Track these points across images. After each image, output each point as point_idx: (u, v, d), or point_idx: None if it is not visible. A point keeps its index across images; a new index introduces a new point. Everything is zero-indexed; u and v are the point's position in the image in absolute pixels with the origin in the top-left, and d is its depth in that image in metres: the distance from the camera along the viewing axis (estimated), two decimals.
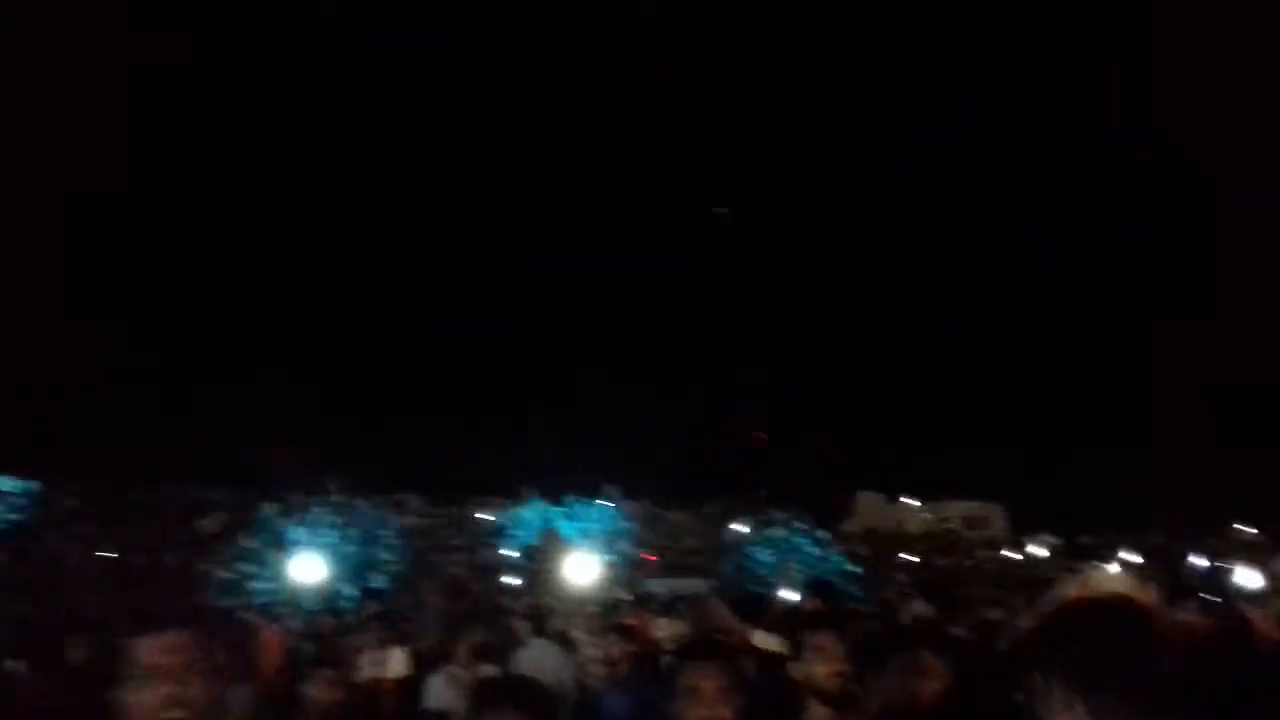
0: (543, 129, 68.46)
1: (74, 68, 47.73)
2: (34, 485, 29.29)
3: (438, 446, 37.69)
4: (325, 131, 59.18)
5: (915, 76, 73.47)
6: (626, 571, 31.43)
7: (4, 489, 28.65)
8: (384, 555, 29.59)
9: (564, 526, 32.17)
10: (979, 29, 67.09)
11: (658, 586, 29.36)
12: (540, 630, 8.69)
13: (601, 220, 57.36)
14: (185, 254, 48.18)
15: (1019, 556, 41.74)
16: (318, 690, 4.80)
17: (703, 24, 72.66)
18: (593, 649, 7.24)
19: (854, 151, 67.68)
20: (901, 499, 50.11)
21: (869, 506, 48.82)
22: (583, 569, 21.70)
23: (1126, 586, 4.34)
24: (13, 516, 28.13)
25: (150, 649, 2.16)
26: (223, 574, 26.79)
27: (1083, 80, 64.43)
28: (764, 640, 6.08)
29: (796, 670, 3.19)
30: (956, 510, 48.61)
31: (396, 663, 7.76)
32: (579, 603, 16.06)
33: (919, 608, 7.74)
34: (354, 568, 26.96)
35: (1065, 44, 70.87)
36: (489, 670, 6.33)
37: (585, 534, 28.45)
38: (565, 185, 60.75)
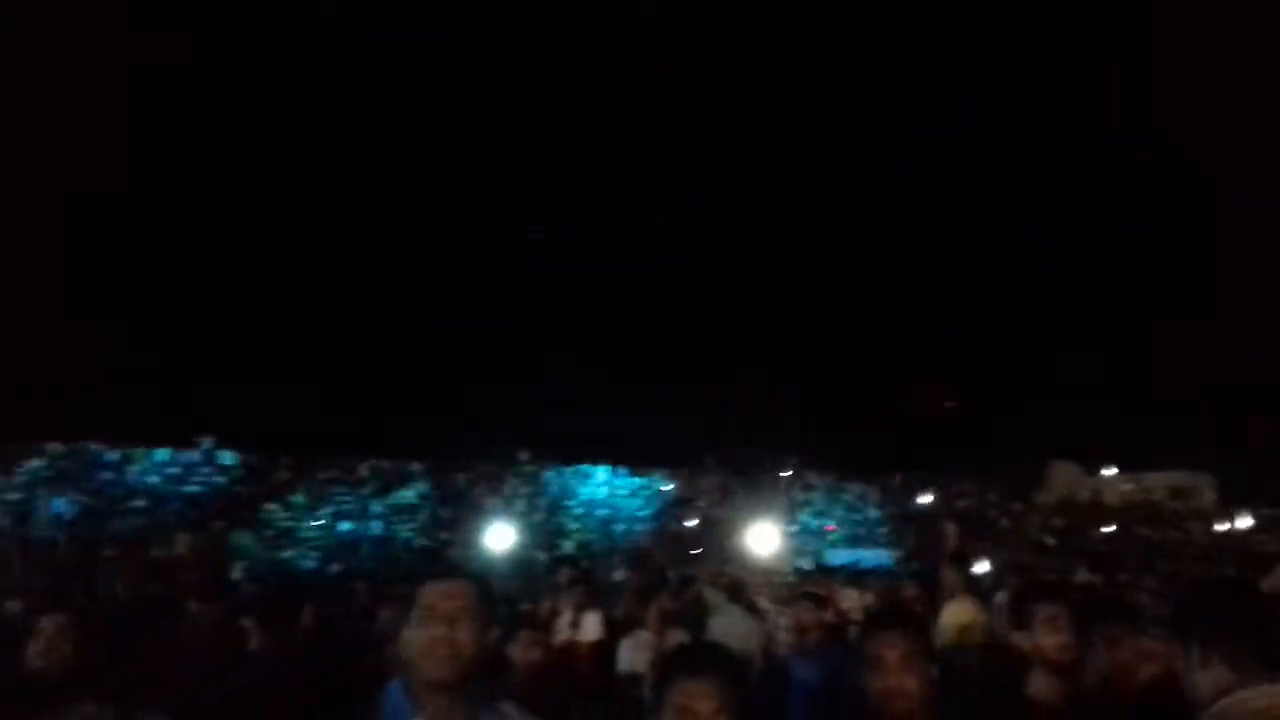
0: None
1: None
2: (250, 457, 31.57)
3: (618, 417, 38.44)
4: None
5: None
6: (808, 541, 31.35)
7: (224, 462, 31.00)
8: (572, 523, 30.54)
9: (746, 496, 32.32)
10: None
11: (841, 557, 29.21)
12: (731, 598, 8.79)
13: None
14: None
15: (1227, 528, 39.22)
16: (519, 651, 5.02)
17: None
18: (781, 617, 7.26)
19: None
20: (1101, 471, 48.17)
21: (1064, 477, 47.01)
22: (764, 539, 21.78)
23: None
24: (234, 488, 30.42)
25: (434, 593, 2.39)
26: (422, 541, 28.31)
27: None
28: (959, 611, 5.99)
29: (1022, 640, 3.21)
30: (1160, 480, 46.23)
31: (592, 627, 7.98)
32: (764, 572, 16.14)
33: (1083, 575, 7.46)
34: (545, 535, 27.98)
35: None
36: (679, 636, 6.44)
37: (765, 504, 28.45)
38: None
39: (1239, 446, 42.31)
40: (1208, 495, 45.27)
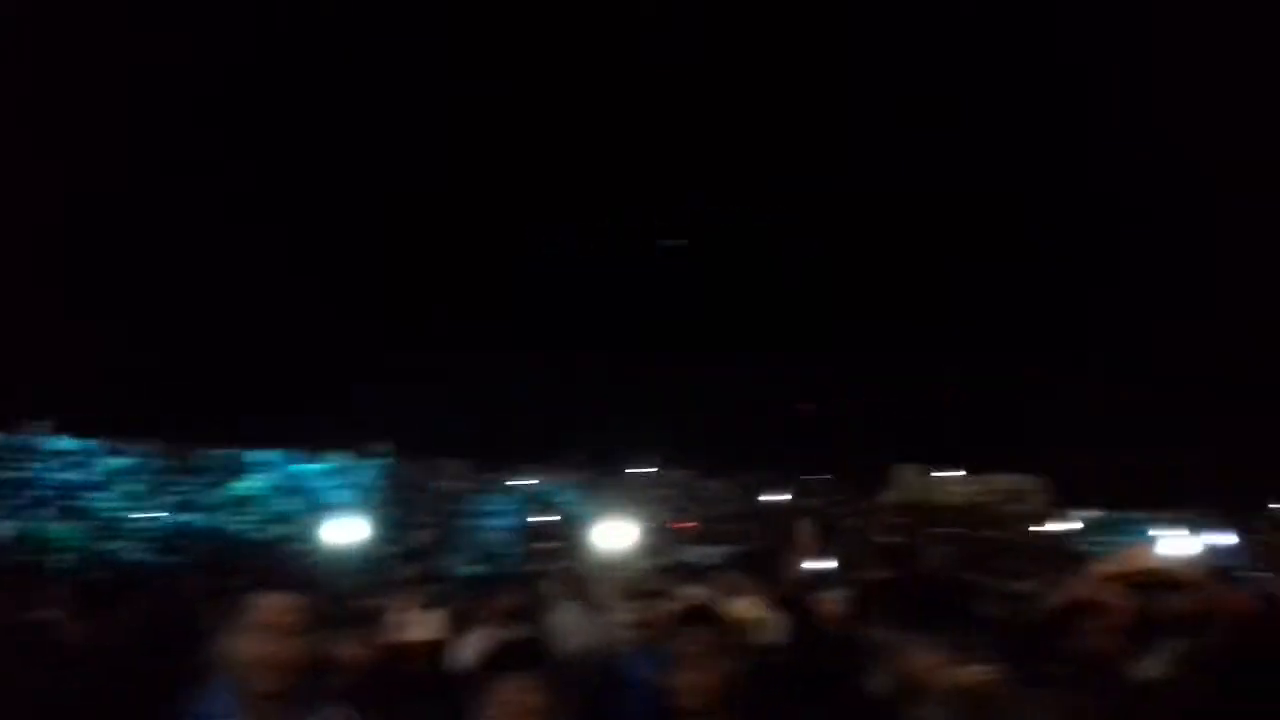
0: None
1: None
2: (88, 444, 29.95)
3: (477, 412, 38.00)
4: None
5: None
6: (661, 539, 31.65)
7: (57, 447, 29.32)
8: (421, 518, 30.03)
9: (597, 494, 32.40)
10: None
11: (695, 555, 29.59)
12: (571, 594, 8.73)
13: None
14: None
15: (1056, 529, 41.49)
16: (347, 650, 4.86)
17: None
18: (623, 614, 7.26)
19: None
20: (941, 472, 49.89)
21: (907, 479, 48.67)
22: (616, 536, 21.84)
23: (1162, 561, 4.28)
24: (62, 475, 28.78)
25: (265, 607, 2.26)
26: (258, 534, 27.34)
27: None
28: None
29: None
30: (997, 483, 48.37)
31: (427, 625, 7.83)
32: (612, 569, 16.17)
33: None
34: (391, 529, 27.40)
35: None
36: (518, 632, 6.35)
37: (618, 501, 28.59)
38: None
39: (1070, 451, 44.66)
40: (1039, 498, 47.59)
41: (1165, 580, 4.06)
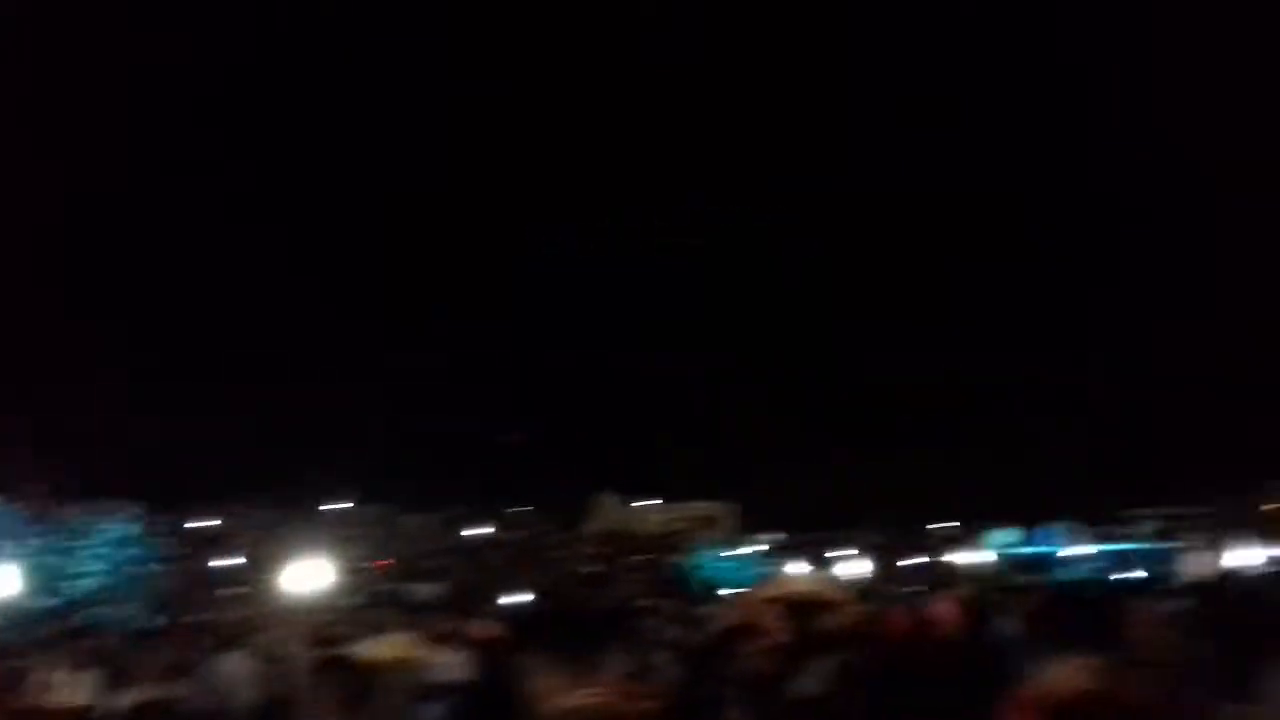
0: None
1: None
2: None
3: (152, 450, 34.93)
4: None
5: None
6: (357, 578, 30.39)
7: None
8: (85, 567, 27.17)
9: (294, 532, 30.65)
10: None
11: (399, 593, 28.64)
12: (238, 642, 8.14)
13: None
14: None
15: (744, 553, 43.78)
16: None
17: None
18: (297, 658, 6.83)
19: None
20: (638, 501, 51.27)
21: (607, 508, 49.65)
22: (307, 577, 20.77)
23: (813, 584, 4.52)
24: None
25: None
26: None
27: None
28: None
29: None
30: (690, 511, 50.29)
31: (75, 687, 7.02)
32: (296, 611, 15.30)
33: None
34: (46, 579, 24.58)
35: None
36: (177, 688, 5.81)
37: (316, 540, 27.18)
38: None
39: (759, 478, 47.19)
40: (730, 523, 50.05)
41: (819, 602, 4.30)
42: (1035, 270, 60.16)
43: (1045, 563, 34.84)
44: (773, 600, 4.25)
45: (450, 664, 5.64)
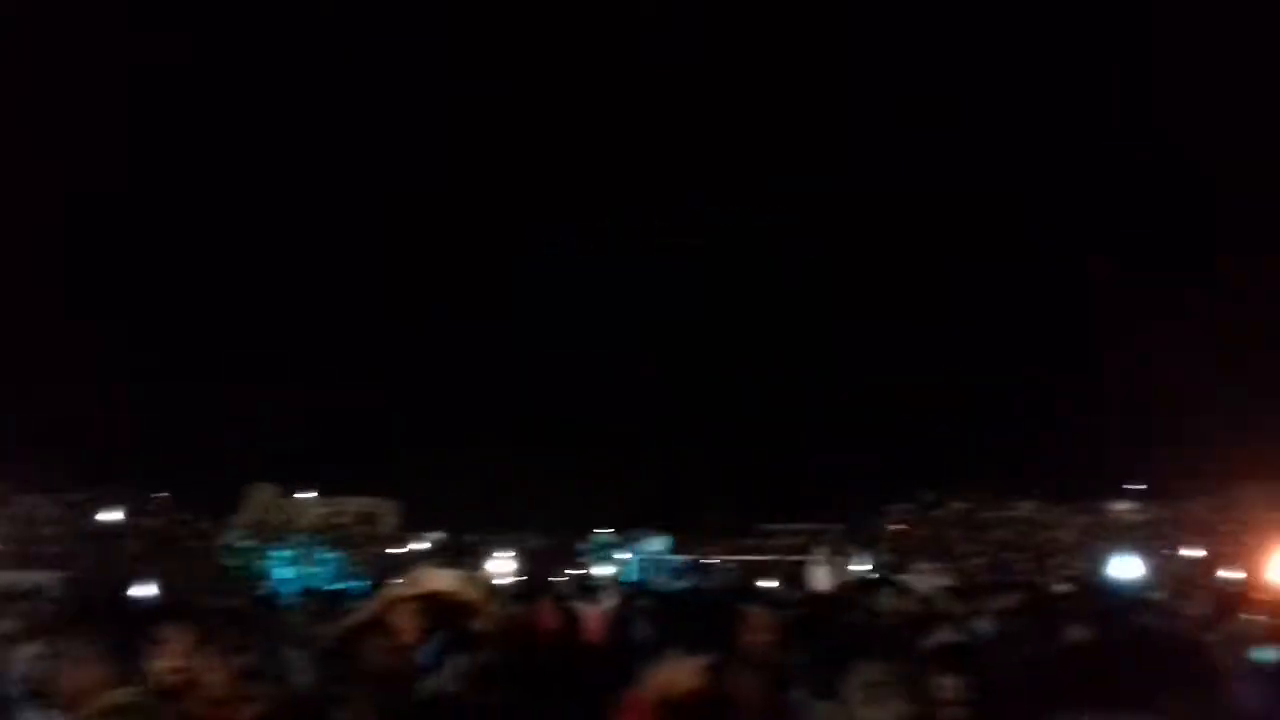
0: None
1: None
2: None
3: None
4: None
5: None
6: None
7: None
8: None
9: None
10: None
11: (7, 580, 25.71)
12: None
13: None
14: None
15: (404, 550, 42.89)
16: None
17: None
18: None
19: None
20: (297, 494, 49.12)
21: (261, 499, 47.18)
22: None
23: (451, 584, 4.45)
24: None
25: None
26: None
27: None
28: None
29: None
30: (351, 505, 48.81)
31: None
32: None
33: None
34: None
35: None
36: None
37: None
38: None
39: (420, 476, 46.42)
40: (390, 520, 49.01)
41: (456, 602, 4.25)
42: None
43: (688, 570, 36.85)
44: (406, 599, 4.15)
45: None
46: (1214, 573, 23.01)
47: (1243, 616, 5.01)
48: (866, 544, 42.78)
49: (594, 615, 7.86)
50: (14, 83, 41.59)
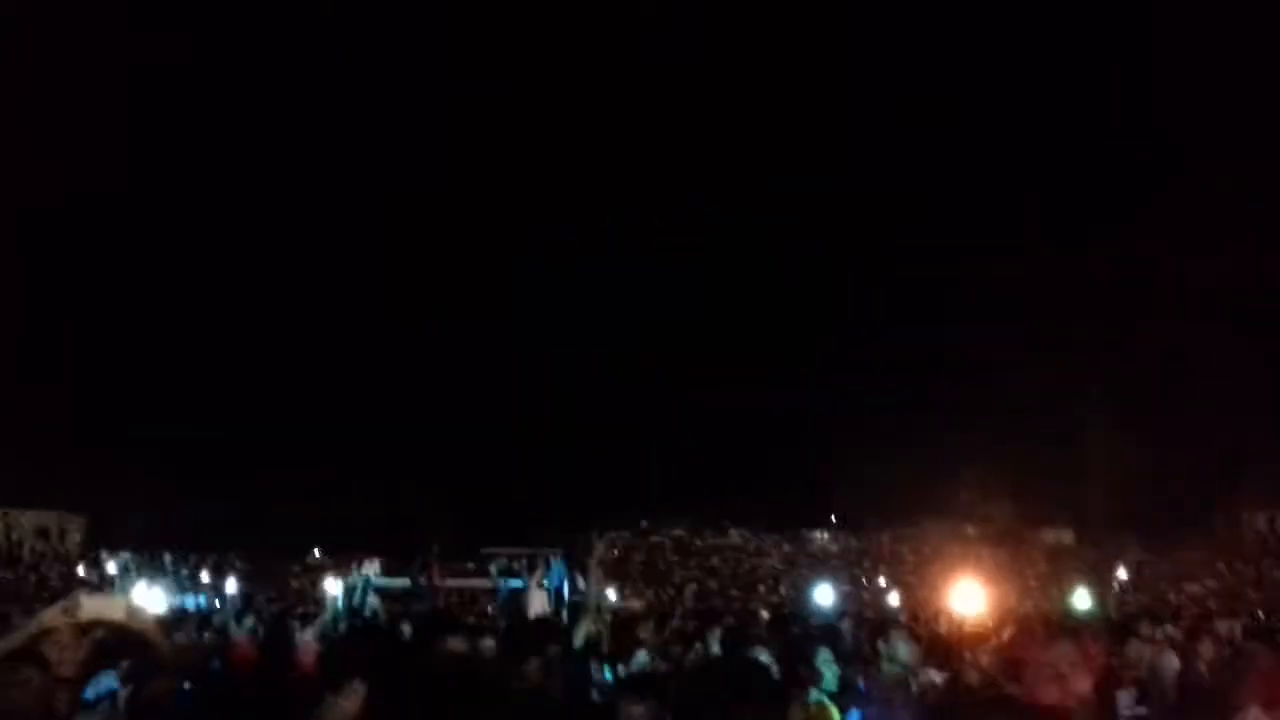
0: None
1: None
2: None
3: None
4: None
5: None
6: None
7: None
8: None
9: None
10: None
11: None
12: None
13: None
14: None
15: (90, 570, 39.44)
16: None
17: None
18: None
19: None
20: None
21: None
22: None
23: (117, 612, 4.10)
24: None
25: None
26: None
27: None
28: None
29: None
30: (29, 520, 44.54)
31: None
32: None
33: None
34: None
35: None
36: None
37: None
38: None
39: (108, 487, 42.93)
40: (74, 536, 45.18)
41: (123, 632, 3.91)
42: None
43: (412, 594, 35.93)
44: (64, 627, 3.78)
45: None
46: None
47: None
48: (583, 569, 43.43)
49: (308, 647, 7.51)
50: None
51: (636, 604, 30.44)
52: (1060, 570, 41.59)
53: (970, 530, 46.35)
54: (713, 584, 44.16)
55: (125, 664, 4.17)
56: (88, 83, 49.59)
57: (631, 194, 62.88)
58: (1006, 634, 6.06)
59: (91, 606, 3.75)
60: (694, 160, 66.29)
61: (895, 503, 47.82)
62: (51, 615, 3.71)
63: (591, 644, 6.28)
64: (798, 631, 6.97)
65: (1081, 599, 23.49)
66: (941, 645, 6.16)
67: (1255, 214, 49.35)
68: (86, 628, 3.74)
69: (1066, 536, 50.12)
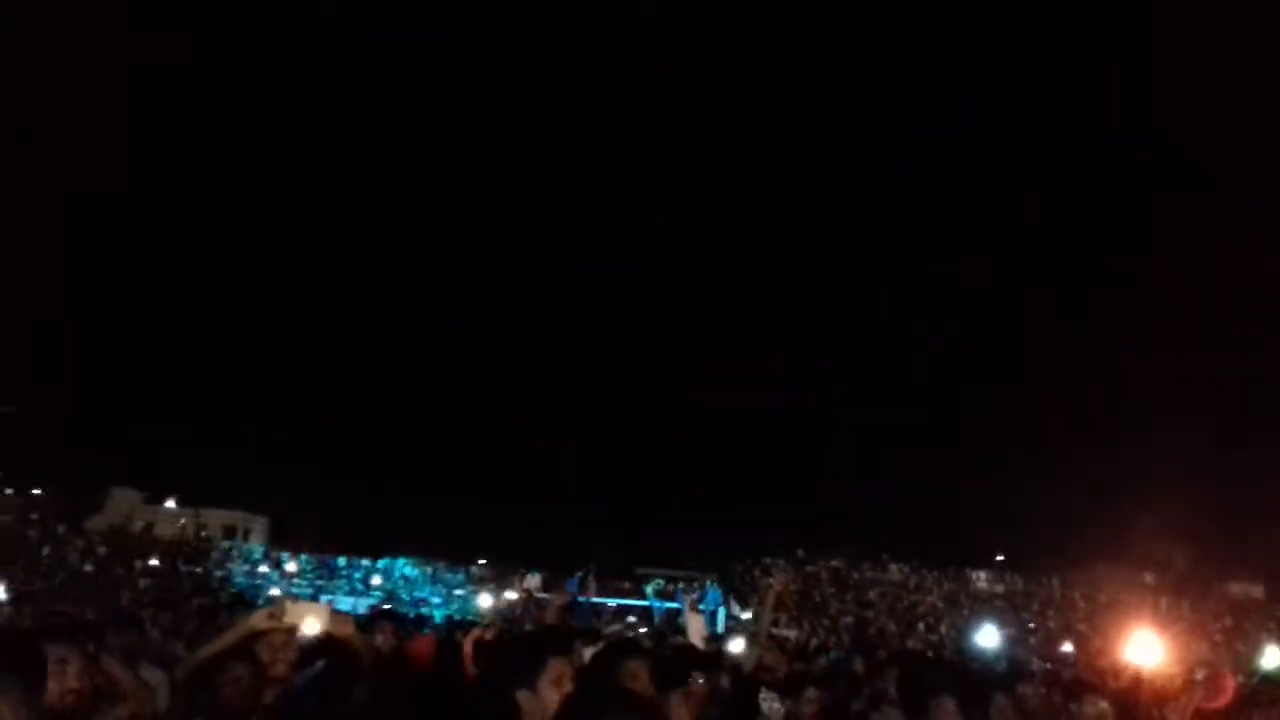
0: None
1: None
2: None
3: None
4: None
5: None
6: None
7: None
8: None
9: None
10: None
11: None
12: None
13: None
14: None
15: (272, 569, 41.50)
16: None
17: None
18: None
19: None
20: (168, 502, 47.22)
21: (122, 504, 45.15)
22: None
23: (320, 618, 4.27)
24: None
25: None
26: None
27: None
28: None
29: None
30: (217, 518, 47.03)
31: None
32: None
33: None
34: None
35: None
36: None
37: None
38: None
39: (289, 490, 45.18)
40: (258, 535, 47.42)
41: (324, 636, 4.13)
42: None
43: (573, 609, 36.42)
44: (274, 630, 4.00)
45: None
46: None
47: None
48: (738, 594, 43.12)
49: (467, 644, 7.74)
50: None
51: (790, 634, 29.96)
52: (1247, 626, 38.71)
53: (1148, 578, 43.74)
54: (870, 617, 42.99)
55: (322, 664, 4.37)
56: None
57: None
58: (1201, 692, 5.66)
59: (296, 611, 3.99)
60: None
61: (1065, 544, 45.65)
62: (259, 618, 3.95)
63: (758, 673, 6.23)
64: (978, 679, 6.72)
65: (1272, 658, 21.83)
66: (1131, 706, 5.82)
67: None
68: (294, 630, 3.98)
69: (1256, 590, 46.58)
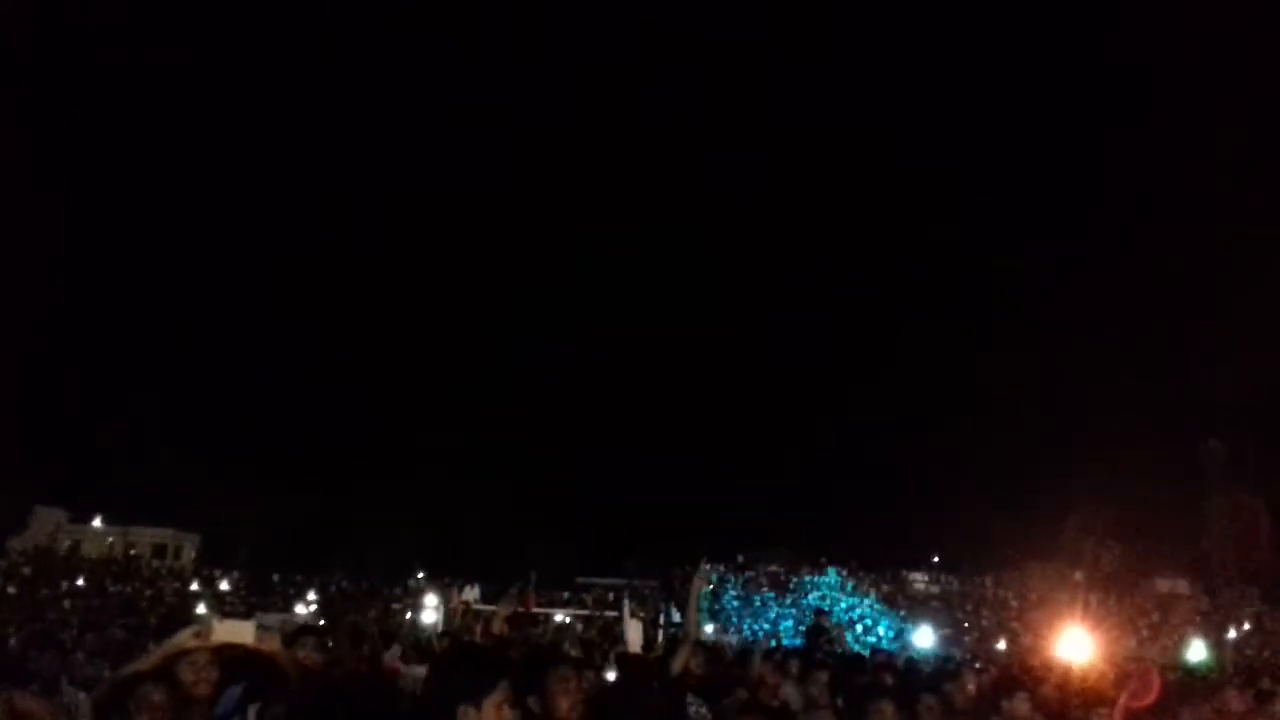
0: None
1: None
2: None
3: None
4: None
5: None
6: None
7: None
8: None
9: None
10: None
11: None
12: None
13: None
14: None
15: (204, 588, 40.62)
16: None
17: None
18: None
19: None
20: (94, 521, 45.98)
21: (47, 523, 43.90)
22: None
23: (245, 636, 4.20)
24: None
25: None
26: None
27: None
28: None
29: None
30: (147, 537, 46.00)
31: None
32: None
33: None
34: None
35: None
36: None
37: None
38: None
39: (221, 507, 44.17)
40: (188, 554, 46.44)
41: (250, 653, 4.05)
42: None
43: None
44: (197, 650, 3.91)
45: None
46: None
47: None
48: (678, 601, 43.18)
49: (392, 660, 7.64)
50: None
51: (732, 639, 30.06)
52: (1174, 620, 39.77)
53: (1078, 575, 44.75)
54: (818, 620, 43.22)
55: (246, 683, 4.29)
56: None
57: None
58: (1130, 691, 5.79)
59: (222, 630, 3.90)
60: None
61: (999, 544, 46.55)
62: (184, 637, 3.86)
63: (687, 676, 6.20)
64: (909, 679, 6.80)
65: (1197, 651, 22.46)
66: (1060, 701, 5.92)
67: None
68: (219, 650, 3.89)
69: (1181, 585, 47.93)
